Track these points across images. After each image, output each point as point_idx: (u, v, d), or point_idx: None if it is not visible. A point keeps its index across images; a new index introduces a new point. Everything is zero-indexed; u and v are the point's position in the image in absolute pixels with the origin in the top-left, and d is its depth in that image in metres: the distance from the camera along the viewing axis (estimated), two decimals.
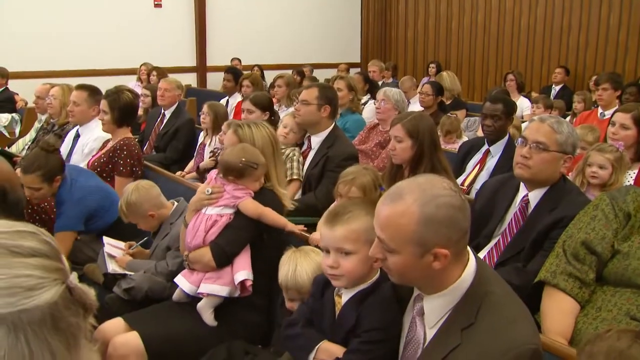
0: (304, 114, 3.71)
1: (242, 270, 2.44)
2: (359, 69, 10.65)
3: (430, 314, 1.58)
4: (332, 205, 2.44)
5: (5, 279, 0.85)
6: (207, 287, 2.44)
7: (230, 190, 2.49)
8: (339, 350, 1.76)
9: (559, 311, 2.03)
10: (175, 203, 3.01)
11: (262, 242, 2.49)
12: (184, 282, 2.50)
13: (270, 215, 2.48)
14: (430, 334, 1.59)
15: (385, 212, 1.51)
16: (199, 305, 2.45)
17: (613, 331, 1.31)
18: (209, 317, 2.45)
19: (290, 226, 2.54)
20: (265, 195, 2.54)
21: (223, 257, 2.44)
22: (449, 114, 5.66)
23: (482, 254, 2.52)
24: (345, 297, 1.80)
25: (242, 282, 2.43)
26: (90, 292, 0.95)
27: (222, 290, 2.43)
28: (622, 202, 2.09)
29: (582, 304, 2.04)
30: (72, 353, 0.90)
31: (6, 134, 6.31)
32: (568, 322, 2.01)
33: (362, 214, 1.78)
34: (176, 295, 2.54)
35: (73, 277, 0.93)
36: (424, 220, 1.46)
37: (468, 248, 1.59)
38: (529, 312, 1.57)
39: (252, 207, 2.47)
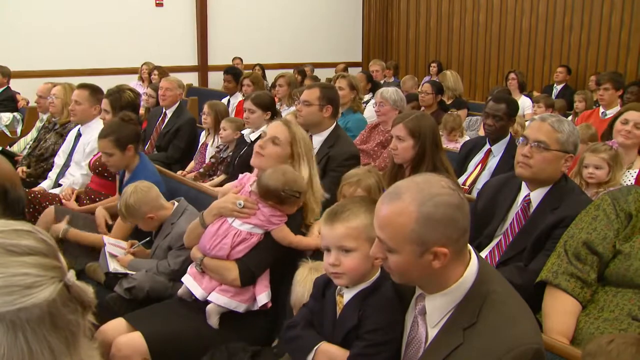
0: (305, 115, 3.70)
1: (264, 293, 2.43)
2: (360, 68, 10.65)
3: (432, 313, 1.58)
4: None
5: (2, 277, 0.85)
6: (223, 300, 2.41)
7: (266, 213, 2.43)
8: (338, 351, 1.75)
9: (560, 311, 2.03)
10: (176, 203, 3.01)
11: None
12: (195, 286, 2.46)
13: (301, 243, 2.45)
14: (432, 333, 1.58)
15: (384, 212, 1.51)
16: (208, 309, 2.43)
17: (615, 343, 1.29)
18: (215, 321, 2.43)
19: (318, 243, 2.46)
20: (294, 220, 2.50)
21: (250, 279, 2.42)
22: (450, 112, 5.66)
23: (483, 254, 2.52)
24: (347, 296, 1.79)
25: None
26: (89, 290, 0.95)
27: (239, 306, 2.42)
28: (624, 202, 2.08)
29: (584, 304, 2.03)
30: (71, 350, 0.90)
31: (8, 133, 6.33)
32: (570, 321, 2.00)
33: (361, 211, 1.77)
34: (181, 291, 2.53)
35: (71, 275, 0.93)
36: (422, 219, 1.46)
37: (470, 247, 1.58)
38: (530, 311, 1.56)
39: (284, 236, 2.44)
